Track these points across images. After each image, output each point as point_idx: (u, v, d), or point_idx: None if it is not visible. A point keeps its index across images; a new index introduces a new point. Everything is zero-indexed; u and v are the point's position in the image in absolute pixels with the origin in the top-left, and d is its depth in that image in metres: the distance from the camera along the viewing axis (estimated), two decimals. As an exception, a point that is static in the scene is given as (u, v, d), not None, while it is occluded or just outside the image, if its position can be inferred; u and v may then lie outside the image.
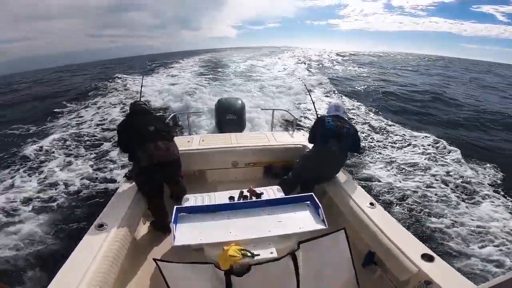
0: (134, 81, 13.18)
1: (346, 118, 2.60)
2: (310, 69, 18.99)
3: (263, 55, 30.06)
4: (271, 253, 1.37)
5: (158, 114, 2.49)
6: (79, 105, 10.10)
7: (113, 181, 4.46)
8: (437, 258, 1.57)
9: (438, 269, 1.50)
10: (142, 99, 3.01)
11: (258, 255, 1.33)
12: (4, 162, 5.20)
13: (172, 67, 18.03)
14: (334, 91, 11.82)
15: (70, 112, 9.21)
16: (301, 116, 7.72)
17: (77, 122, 7.92)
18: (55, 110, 9.51)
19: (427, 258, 1.56)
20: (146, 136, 2.16)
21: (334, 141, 2.38)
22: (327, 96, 10.56)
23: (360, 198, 2.18)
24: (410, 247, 1.66)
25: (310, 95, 4.28)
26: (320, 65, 22.92)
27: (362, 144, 5.44)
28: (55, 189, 4.25)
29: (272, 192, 2.01)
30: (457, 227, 3.55)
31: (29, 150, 5.58)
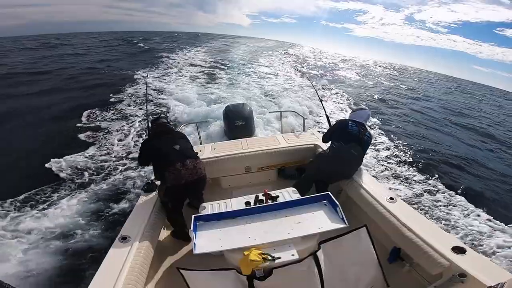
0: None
1: (366, 126, 2.60)
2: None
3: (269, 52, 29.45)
4: (292, 255, 1.36)
5: (178, 131, 2.50)
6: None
7: (129, 193, 4.56)
8: (470, 250, 1.51)
9: (471, 261, 1.44)
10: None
11: (279, 258, 1.33)
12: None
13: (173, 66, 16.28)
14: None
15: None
16: (313, 116, 7.66)
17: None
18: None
19: (458, 250, 1.51)
20: (173, 155, 2.18)
21: (355, 144, 2.39)
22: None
23: (379, 193, 2.13)
24: (439, 240, 1.60)
25: (318, 95, 4.21)
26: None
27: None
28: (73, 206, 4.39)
29: (288, 194, 2.00)
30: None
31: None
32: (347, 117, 2.71)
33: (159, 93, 9.61)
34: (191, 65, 15.76)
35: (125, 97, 9.24)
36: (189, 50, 22.82)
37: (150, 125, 2.64)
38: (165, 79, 11.60)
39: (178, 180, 2.13)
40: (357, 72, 24.36)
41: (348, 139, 2.41)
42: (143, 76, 11.67)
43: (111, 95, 9.42)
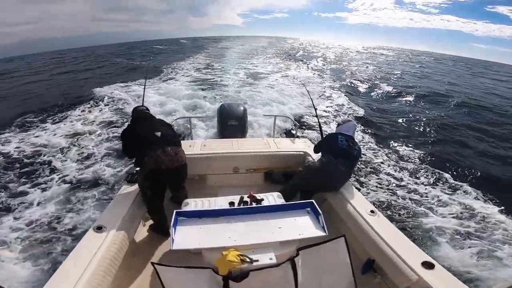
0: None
1: (355, 139, 2.64)
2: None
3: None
4: (270, 259, 1.37)
5: (159, 118, 2.47)
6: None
7: (111, 183, 4.47)
8: (438, 266, 1.56)
9: (438, 277, 1.49)
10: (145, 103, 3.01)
11: (257, 260, 1.33)
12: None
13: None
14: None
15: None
16: (303, 122, 7.74)
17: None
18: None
19: (427, 265, 1.55)
20: (153, 142, 2.15)
21: (343, 159, 2.41)
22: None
23: (361, 206, 2.17)
24: (411, 255, 1.64)
25: (312, 102, 4.24)
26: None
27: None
28: (53, 189, 4.26)
29: (273, 198, 2.01)
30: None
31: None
32: (335, 130, 2.73)
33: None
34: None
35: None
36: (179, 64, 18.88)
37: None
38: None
39: (158, 165, 2.10)
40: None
41: (338, 153, 2.44)
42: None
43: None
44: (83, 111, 8.60)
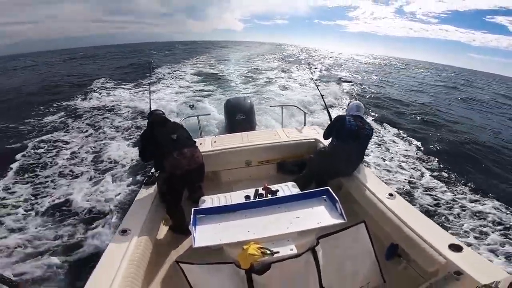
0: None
1: (364, 118, 2.55)
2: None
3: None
4: (291, 249, 1.37)
5: (173, 121, 2.50)
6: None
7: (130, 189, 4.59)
8: (466, 248, 1.52)
9: (467, 259, 1.45)
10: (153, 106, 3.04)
11: (278, 252, 1.33)
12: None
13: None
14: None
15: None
16: (311, 111, 7.63)
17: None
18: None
19: (454, 248, 1.51)
20: (171, 144, 2.20)
21: (353, 141, 2.36)
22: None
23: (379, 190, 2.12)
24: (436, 238, 1.60)
25: (318, 90, 4.19)
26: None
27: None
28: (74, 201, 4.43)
29: (288, 188, 2.01)
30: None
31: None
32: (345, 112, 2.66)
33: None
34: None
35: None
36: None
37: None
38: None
39: (176, 168, 2.15)
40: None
41: (347, 136, 2.38)
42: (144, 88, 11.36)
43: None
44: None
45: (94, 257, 3.04)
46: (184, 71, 15.55)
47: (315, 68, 20.38)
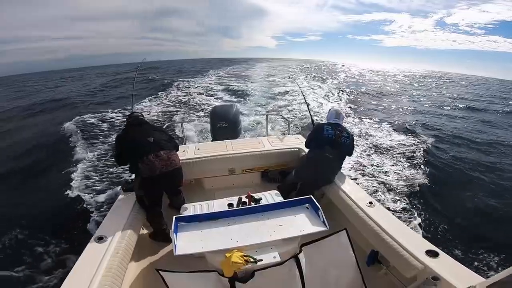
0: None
1: (344, 126, 2.61)
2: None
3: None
4: (274, 257, 1.37)
5: (155, 124, 2.45)
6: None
7: (108, 192, 4.40)
8: (442, 254, 1.58)
9: (444, 264, 1.50)
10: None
11: (261, 260, 1.33)
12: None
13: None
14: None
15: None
16: (295, 119, 7.79)
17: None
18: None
19: (431, 254, 1.56)
20: (147, 147, 2.13)
21: (330, 148, 2.41)
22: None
23: (359, 198, 2.19)
24: (414, 244, 1.66)
25: (304, 98, 4.31)
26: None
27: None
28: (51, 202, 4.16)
29: (271, 196, 2.02)
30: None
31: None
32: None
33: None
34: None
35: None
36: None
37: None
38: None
39: (152, 171, 2.07)
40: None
41: (324, 143, 2.43)
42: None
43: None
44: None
45: (64, 266, 2.87)
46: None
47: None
